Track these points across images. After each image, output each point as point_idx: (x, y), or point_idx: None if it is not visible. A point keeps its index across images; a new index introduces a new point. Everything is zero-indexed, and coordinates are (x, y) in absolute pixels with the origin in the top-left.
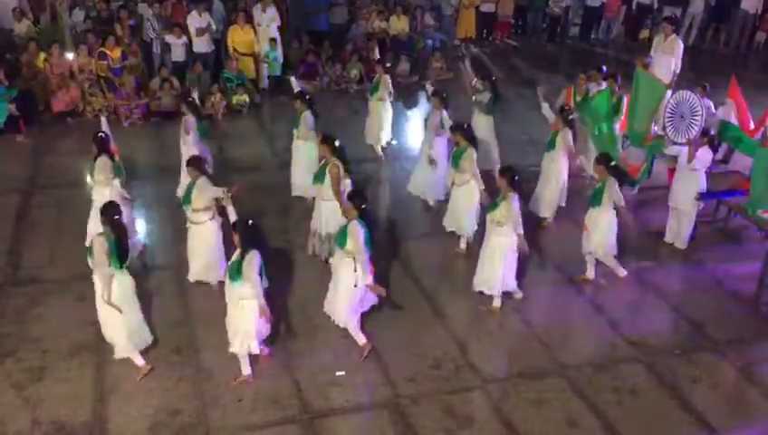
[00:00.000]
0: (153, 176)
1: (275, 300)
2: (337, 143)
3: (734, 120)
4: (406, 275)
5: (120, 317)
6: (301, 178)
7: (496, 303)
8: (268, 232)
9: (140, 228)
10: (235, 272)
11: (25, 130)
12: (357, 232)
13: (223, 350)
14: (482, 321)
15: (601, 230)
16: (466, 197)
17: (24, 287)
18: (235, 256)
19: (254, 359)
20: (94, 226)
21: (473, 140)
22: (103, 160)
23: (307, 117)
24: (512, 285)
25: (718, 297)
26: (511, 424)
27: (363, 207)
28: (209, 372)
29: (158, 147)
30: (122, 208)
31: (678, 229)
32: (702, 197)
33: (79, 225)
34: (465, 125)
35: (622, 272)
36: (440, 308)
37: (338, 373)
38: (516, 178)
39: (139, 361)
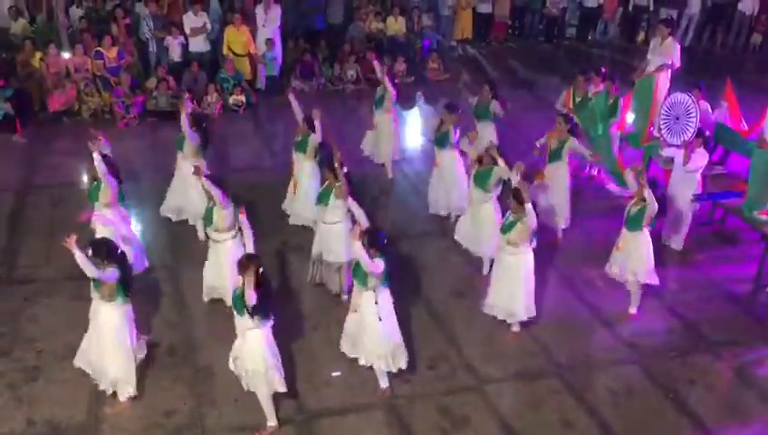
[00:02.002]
0: (149, 176)
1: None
2: (345, 170)
3: (729, 122)
4: (403, 275)
5: (128, 350)
6: (301, 204)
7: (515, 328)
8: (264, 233)
9: (135, 230)
10: (240, 305)
11: (21, 129)
12: (378, 266)
13: (218, 349)
14: (478, 322)
15: (640, 256)
16: (488, 216)
17: (19, 287)
18: (238, 288)
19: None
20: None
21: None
22: (111, 183)
23: (314, 141)
24: (532, 310)
25: (714, 299)
26: (506, 425)
27: (385, 241)
28: (205, 373)
29: (154, 147)
30: (122, 227)
31: (674, 230)
32: (698, 198)
33: (74, 224)
34: (496, 145)
35: (633, 309)
36: (436, 309)
37: (333, 374)
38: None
39: (133, 391)
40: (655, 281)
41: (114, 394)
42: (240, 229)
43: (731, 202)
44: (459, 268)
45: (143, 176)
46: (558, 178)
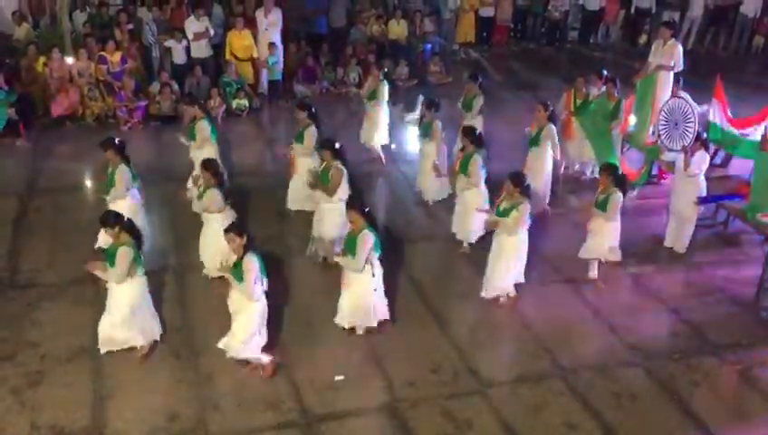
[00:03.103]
0: (153, 180)
1: (274, 304)
2: (337, 145)
3: (717, 120)
4: (404, 279)
5: (136, 315)
6: (298, 191)
7: (513, 293)
8: (266, 237)
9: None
10: (239, 276)
11: (25, 134)
12: (367, 241)
13: (221, 354)
14: (481, 325)
15: (603, 237)
16: (474, 201)
17: (22, 291)
18: (236, 260)
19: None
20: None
21: (480, 144)
22: (123, 169)
23: (312, 132)
24: (509, 288)
25: (718, 301)
26: (510, 428)
27: (367, 210)
28: (209, 377)
29: (158, 151)
30: (138, 215)
31: (678, 233)
32: (701, 201)
33: (77, 229)
34: (477, 130)
35: (594, 273)
36: (439, 312)
37: (337, 378)
38: (528, 185)
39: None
40: (616, 258)
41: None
42: (231, 206)
43: (734, 205)
44: (460, 271)
45: (147, 179)
46: (537, 163)
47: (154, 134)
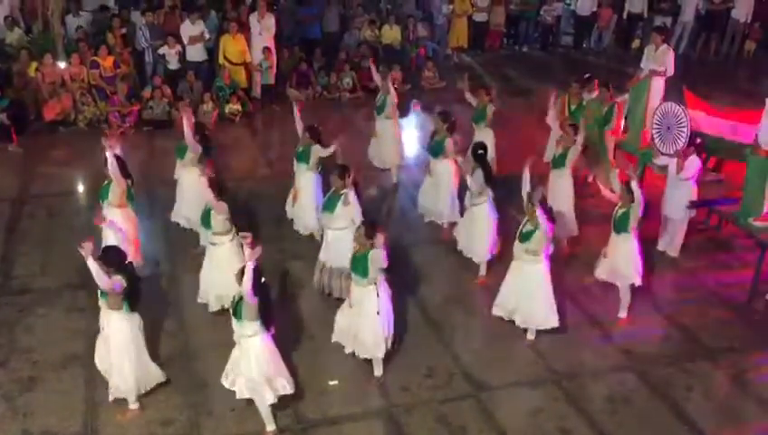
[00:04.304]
0: (146, 185)
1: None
2: (351, 174)
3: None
4: (400, 284)
5: (133, 359)
6: (302, 214)
7: (531, 336)
8: (262, 241)
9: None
10: (240, 312)
11: (17, 139)
12: (381, 260)
13: (215, 360)
14: (475, 329)
15: (626, 258)
16: (481, 218)
17: (15, 297)
18: (237, 296)
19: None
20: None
21: (482, 160)
22: (121, 181)
23: (317, 150)
24: (554, 320)
25: (711, 305)
26: (504, 433)
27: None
28: (202, 382)
29: (150, 155)
30: (130, 229)
31: (671, 237)
32: (693, 205)
33: (70, 234)
34: (477, 145)
35: (624, 313)
36: (433, 316)
37: (331, 383)
38: (551, 208)
39: (133, 404)
40: (638, 282)
41: (117, 400)
42: (237, 232)
43: (726, 209)
44: (456, 275)
45: (140, 184)
46: (561, 185)
47: (147, 139)
